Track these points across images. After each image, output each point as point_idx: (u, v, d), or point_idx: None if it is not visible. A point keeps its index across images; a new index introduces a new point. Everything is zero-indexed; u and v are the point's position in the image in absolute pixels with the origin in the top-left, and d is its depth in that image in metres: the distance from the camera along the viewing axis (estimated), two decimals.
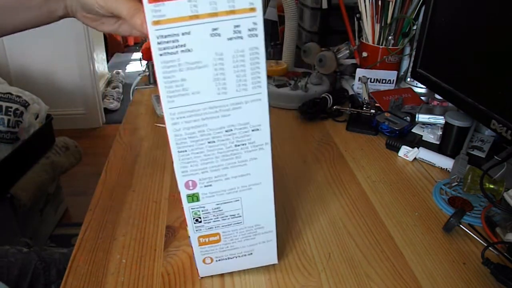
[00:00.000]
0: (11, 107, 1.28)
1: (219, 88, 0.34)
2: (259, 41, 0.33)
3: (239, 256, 0.44)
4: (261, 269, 0.46)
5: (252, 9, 0.32)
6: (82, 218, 0.54)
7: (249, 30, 0.33)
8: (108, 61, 3.10)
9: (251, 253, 0.44)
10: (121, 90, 2.81)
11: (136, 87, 0.99)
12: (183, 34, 0.32)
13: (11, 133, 1.28)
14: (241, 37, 0.33)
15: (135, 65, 3.38)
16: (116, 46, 3.61)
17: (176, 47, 0.32)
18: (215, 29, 0.32)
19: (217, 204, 0.40)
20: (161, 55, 0.32)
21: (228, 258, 0.44)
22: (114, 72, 2.97)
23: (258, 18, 0.32)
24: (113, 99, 2.65)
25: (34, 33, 2.18)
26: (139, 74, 1.02)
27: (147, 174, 0.64)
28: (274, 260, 0.46)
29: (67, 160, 1.50)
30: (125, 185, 0.61)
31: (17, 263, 0.70)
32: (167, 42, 0.32)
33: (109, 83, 2.85)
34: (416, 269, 0.47)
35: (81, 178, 1.80)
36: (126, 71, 3.20)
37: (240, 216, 0.41)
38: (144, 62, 0.97)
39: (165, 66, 0.33)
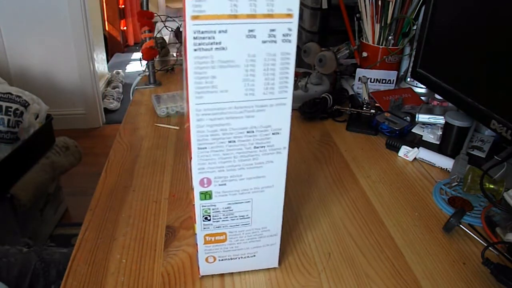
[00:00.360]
0: (11, 107, 1.28)
1: (247, 89, 0.34)
2: (292, 47, 0.34)
3: (241, 258, 0.44)
4: (261, 269, 0.46)
5: (289, 15, 0.32)
6: (82, 218, 0.54)
7: (284, 35, 0.33)
8: (108, 61, 3.10)
9: (254, 255, 0.44)
10: (121, 90, 2.80)
11: (136, 87, 0.98)
12: (219, 32, 0.32)
13: (11, 133, 1.28)
14: (275, 41, 0.33)
15: (135, 65, 3.38)
16: (116, 46, 3.61)
17: (212, 44, 0.32)
18: (251, 31, 0.32)
19: (228, 204, 0.40)
20: (195, 50, 0.32)
21: (231, 258, 0.44)
22: (114, 72, 2.97)
23: (293, 24, 0.33)
24: (113, 99, 2.65)
25: (35, 33, 2.17)
26: (139, 74, 1.02)
27: (147, 174, 0.64)
28: (275, 264, 0.46)
29: (67, 160, 1.50)
30: (125, 185, 0.61)
31: (17, 263, 0.71)
32: (203, 38, 0.32)
33: (109, 83, 2.85)
34: (416, 269, 0.47)
35: (81, 178, 1.80)
36: (126, 71, 3.20)
37: (249, 218, 0.41)
38: (144, 62, 0.97)
39: (198, 62, 0.33)
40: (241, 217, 0.41)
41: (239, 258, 0.44)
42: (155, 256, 0.48)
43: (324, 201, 0.58)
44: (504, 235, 0.50)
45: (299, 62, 1.02)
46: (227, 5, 0.31)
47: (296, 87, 0.87)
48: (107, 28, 3.47)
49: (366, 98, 0.81)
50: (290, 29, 0.33)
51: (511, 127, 0.54)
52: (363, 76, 0.85)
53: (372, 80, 0.90)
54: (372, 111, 0.79)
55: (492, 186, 0.56)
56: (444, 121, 0.69)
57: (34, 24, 2.12)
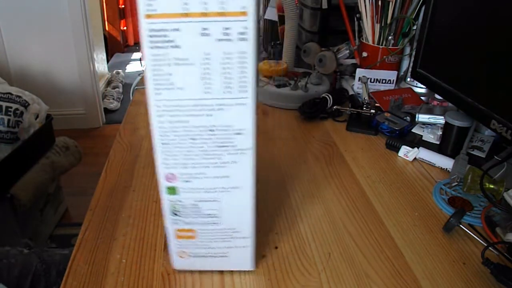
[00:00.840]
0: (11, 107, 1.28)
1: (206, 87, 0.35)
2: (249, 46, 0.33)
3: (214, 256, 0.44)
4: (261, 269, 0.46)
5: (243, 13, 0.32)
6: (82, 218, 0.54)
7: (239, 33, 0.33)
8: (108, 61, 3.10)
9: (226, 256, 0.44)
10: (121, 90, 2.80)
11: (136, 87, 0.98)
12: (172, 30, 0.32)
13: (11, 133, 1.28)
14: (230, 40, 0.33)
15: (135, 65, 3.37)
16: (116, 46, 3.61)
17: (166, 42, 0.33)
18: (204, 29, 0.32)
19: (195, 201, 0.40)
20: (151, 48, 0.33)
21: (203, 256, 0.44)
22: (114, 72, 2.96)
23: (249, 22, 0.32)
24: (113, 99, 2.65)
25: (34, 33, 2.17)
26: (139, 74, 1.02)
27: (147, 174, 0.64)
28: (249, 267, 0.46)
29: (67, 160, 1.50)
30: (125, 185, 0.61)
31: (17, 264, 0.70)
32: (158, 36, 0.32)
33: (109, 83, 2.85)
34: (416, 269, 0.47)
35: (81, 178, 1.80)
36: (126, 71, 3.20)
37: (217, 217, 0.41)
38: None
39: (154, 59, 0.33)
40: (209, 216, 0.41)
41: (211, 256, 0.44)
42: (155, 256, 0.48)
43: (324, 201, 0.58)
44: (504, 235, 0.50)
45: (299, 62, 1.02)
46: (178, 4, 0.31)
47: (296, 87, 0.87)
48: (107, 28, 3.47)
49: (366, 98, 0.81)
50: (245, 28, 0.32)
51: (511, 127, 0.54)
52: (363, 76, 0.85)
53: (372, 80, 0.90)
54: (372, 111, 0.79)
55: (492, 186, 0.56)
56: (444, 121, 0.69)
57: (34, 24, 2.12)
